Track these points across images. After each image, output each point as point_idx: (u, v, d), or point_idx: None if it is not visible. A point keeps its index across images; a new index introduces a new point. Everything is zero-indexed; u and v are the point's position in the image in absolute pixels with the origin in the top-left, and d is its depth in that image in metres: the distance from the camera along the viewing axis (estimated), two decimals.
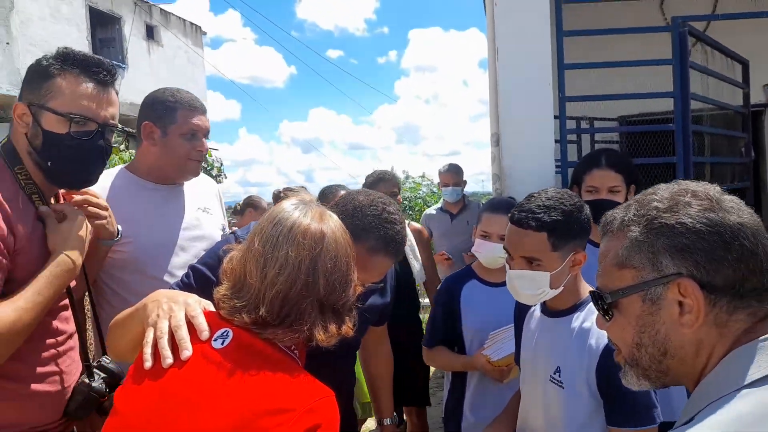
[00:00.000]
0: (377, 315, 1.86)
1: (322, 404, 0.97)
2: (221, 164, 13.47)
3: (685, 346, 0.77)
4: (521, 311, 1.73)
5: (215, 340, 1.02)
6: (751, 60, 3.59)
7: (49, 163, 1.38)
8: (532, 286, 1.46)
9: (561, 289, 1.46)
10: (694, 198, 0.77)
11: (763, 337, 0.74)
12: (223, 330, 1.04)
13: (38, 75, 1.39)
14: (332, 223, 1.11)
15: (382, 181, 3.17)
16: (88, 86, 1.40)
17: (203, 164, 1.99)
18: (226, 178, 13.89)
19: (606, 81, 3.34)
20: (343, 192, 2.66)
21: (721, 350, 0.76)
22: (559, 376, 1.44)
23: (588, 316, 1.45)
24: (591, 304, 1.45)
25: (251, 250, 1.07)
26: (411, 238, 3.12)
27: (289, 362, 1.03)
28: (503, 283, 2.18)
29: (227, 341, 1.02)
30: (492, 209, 2.13)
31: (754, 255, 0.74)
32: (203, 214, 1.97)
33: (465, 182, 4.25)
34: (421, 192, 12.41)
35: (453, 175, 4.18)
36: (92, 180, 1.49)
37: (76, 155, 1.40)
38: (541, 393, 1.49)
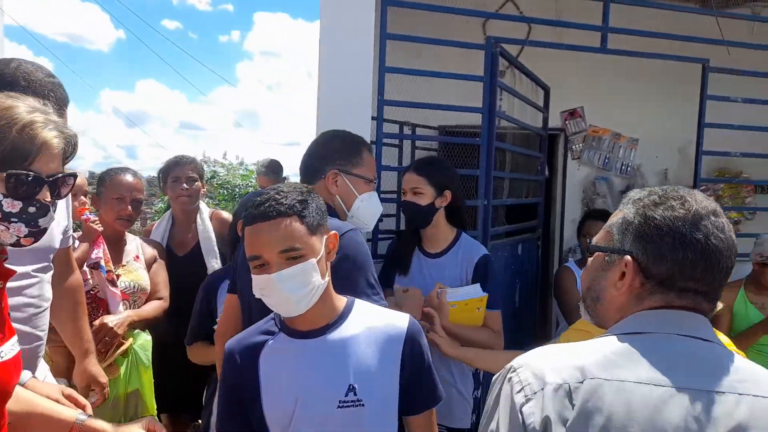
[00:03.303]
0: None
1: None
2: None
3: (612, 301, 1.00)
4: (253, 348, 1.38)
5: None
6: (552, 87, 3.96)
7: None
8: (303, 283, 1.27)
9: (327, 280, 1.34)
10: (681, 206, 0.95)
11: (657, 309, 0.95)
12: None
13: None
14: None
15: (177, 165, 2.92)
16: None
17: None
18: None
19: (431, 90, 3.42)
20: (129, 176, 2.49)
21: (630, 312, 0.98)
22: (355, 395, 1.31)
23: (352, 323, 1.37)
24: (353, 313, 1.38)
25: None
26: (210, 232, 2.88)
27: None
28: None
29: None
30: None
31: (693, 265, 0.92)
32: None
33: (286, 179, 4.14)
34: (252, 179, 11.93)
35: (271, 180, 4.03)
36: None
37: None
38: (327, 428, 1.31)
